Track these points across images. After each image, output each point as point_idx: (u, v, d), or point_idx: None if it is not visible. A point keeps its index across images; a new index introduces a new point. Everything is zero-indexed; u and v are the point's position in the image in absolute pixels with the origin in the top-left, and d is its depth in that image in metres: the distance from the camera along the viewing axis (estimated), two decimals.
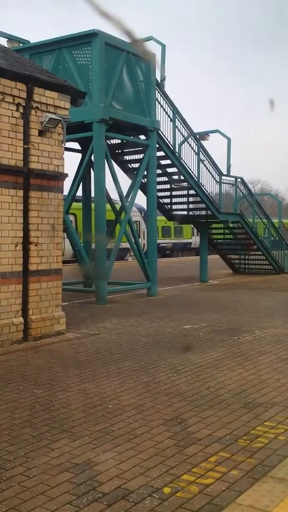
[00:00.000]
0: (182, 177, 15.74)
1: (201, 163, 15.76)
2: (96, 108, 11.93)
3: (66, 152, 8.96)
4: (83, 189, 14.75)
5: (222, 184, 16.65)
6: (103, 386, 5.75)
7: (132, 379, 6.04)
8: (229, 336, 8.50)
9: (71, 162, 12.71)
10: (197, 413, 4.90)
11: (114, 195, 13.95)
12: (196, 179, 15.61)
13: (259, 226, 19.77)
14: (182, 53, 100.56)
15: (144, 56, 12.26)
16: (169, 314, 10.70)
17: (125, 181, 14.71)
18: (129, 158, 15.49)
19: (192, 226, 28.06)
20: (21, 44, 13.26)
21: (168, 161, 15.36)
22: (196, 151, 15.63)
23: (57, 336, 8.53)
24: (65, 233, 11.92)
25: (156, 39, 14.07)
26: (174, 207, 17.78)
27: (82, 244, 14.01)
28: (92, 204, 13.92)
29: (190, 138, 15.41)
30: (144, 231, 25.37)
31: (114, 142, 14.81)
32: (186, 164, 15.31)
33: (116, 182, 12.81)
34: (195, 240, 32.61)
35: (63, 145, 8.79)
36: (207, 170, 16.06)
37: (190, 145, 15.48)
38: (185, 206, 17.82)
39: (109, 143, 14.20)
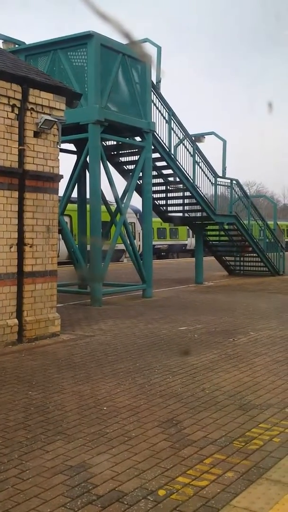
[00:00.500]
0: (177, 179, 15.75)
1: (196, 165, 15.78)
2: (91, 109, 11.93)
3: (61, 154, 8.96)
4: (79, 190, 14.75)
5: (218, 186, 16.68)
6: (98, 388, 5.73)
7: (127, 381, 6.03)
8: (224, 338, 8.50)
9: (66, 164, 12.69)
10: (192, 415, 4.89)
11: (110, 197, 13.95)
12: (192, 181, 15.62)
13: (254, 228, 19.80)
14: (180, 55, 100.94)
15: (142, 58, 12.27)
16: (165, 316, 10.69)
17: (120, 183, 14.70)
18: (125, 160, 15.49)
19: (188, 227, 28.08)
20: (16, 46, 13.25)
21: (163, 163, 15.37)
22: (192, 153, 15.65)
23: (51, 337, 8.51)
24: (60, 235, 11.90)
25: (152, 41, 14.08)
26: (169, 208, 17.79)
27: (77, 245, 14.00)
28: (88, 206, 13.90)
29: (185, 140, 15.43)
30: (139, 233, 25.36)
31: (110, 144, 14.80)
32: (182, 166, 15.32)
33: (111, 183, 12.81)
34: (191, 242, 32.65)
35: (58, 146, 8.77)
36: (202, 172, 16.08)
37: (185, 147, 15.50)
38: (180, 208, 17.81)
39: (105, 144, 14.19)
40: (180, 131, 15.18)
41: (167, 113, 14.77)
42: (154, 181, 15.72)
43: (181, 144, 15.32)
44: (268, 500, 3.29)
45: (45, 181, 8.51)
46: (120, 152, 15.24)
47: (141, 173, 13.74)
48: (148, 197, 14.05)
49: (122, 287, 14.28)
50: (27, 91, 8.15)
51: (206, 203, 16.28)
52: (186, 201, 17.24)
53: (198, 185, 15.86)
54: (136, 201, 16.21)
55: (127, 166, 15.40)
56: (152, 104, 14.02)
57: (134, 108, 13.11)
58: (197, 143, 15.96)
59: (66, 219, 19.85)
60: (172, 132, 14.93)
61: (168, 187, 17.12)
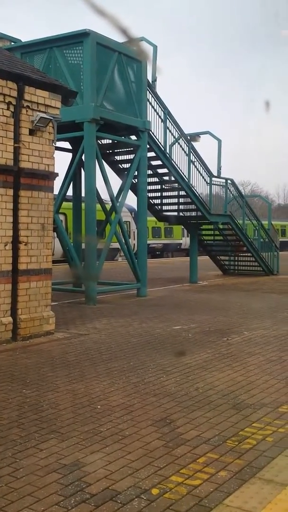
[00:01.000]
0: (172, 178, 15.76)
1: (191, 164, 15.78)
2: (87, 108, 11.91)
3: (56, 152, 8.93)
4: (74, 188, 14.72)
5: (213, 185, 16.69)
6: (92, 387, 5.74)
7: (121, 379, 6.04)
8: (218, 337, 8.52)
9: (61, 162, 12.70)
10: (186, 414, 4.90)
11: (105, 195, 13.94)
12: (187, 180, 15.63)
13: (249, 227, 19.85)
14: (178, 54, 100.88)
15: (138, 55, 12.25)
16: (159, 315, 10.70)
17: (115, 182, 14.70)
18: (120, 159, 15.48)
19: (182, 227, 28.09)
20: (12, 43, 13.21)
21: (159, 162, 15.36)
22: (187, 152, 15.66)
23: (46, 336, 8.50)
24: (55, 233, 11.89)
25: (148, 40, 14.07)
26: (164, 208, 17.80)
27: (72, 244, 13.98)
28: (83, 204, 13.89)
29: (181, 139, 15.43)
30: (134, 232, 25.34)
31: (105, 142, 14.79)
32: (177, 165, 15.34)
33: (106, 182, 12.80)
34: (185, 241, 32.65)
35: (53, 144, 8.76)
36: (197, 172, 16.09)
37: (181, 146, 15.50)
38: (175, 207, 17.83)
39: (100, 143, 14.18)
40: (176, 130, 15.19)
41: (162, 112, 14.77)
42: (149, 180, 15.72)
43: (177, 143, 15.33)
44: (261, 500, 3.31)
45: (40, 179, 8.49)
46: (116, 150, 15.22)
47: (136, 172, 13.74)
48: (143, 196, 14.05)
49: (116, 286, 14.28)
50: (23, 88, 8.14)
51: (201, 202, 16.30)
52: (181, 200, 17.27)
53: (193, 185, 15.88)
54: (131, 200, 16.19)
55: (123, 165, 15.40)
56: (148, 103, 14.02)
57: (129, 107, 13.11)
58: (192, 143, 15.97)
59: (61, 217, 19.79)
60: (168, 131, 14.94)
61: (163, 186, 17.12)
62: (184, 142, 15.62)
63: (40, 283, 8.50)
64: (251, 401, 5.28)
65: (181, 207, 17.72)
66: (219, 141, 17.14)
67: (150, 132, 14.17)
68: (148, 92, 13.94)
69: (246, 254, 19.99)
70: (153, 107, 14.49)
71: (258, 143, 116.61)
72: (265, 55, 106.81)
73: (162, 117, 14.77)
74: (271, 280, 18.68)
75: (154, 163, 15.57)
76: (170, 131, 15.01)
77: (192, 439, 4.30)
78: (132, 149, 14.18)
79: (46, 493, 3.37)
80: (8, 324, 7.99)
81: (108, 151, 15.09)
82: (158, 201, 17.57)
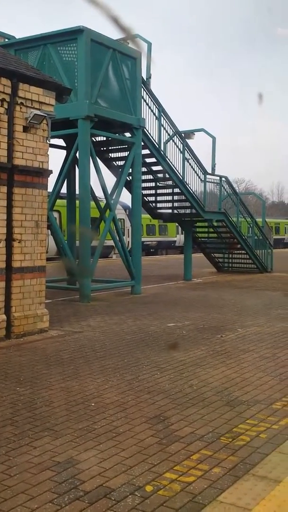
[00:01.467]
0: (167, 175, 15.75)
1: (186, 162, 15.78)
2: (81, 105, 11.88)
3: (50, 149, 8.90)
4: (68, 186, 14.68)
5: (207, 183, 16.70)
6: (86, 384, 5.73)
7: (115, 377, 6.03)
8: (212, 334, 8.53)
9: (55, 159, 12.66)
10: (180, 411, 4.90)
11: (99, 193, 13.93)
12: (181, 178, 15.63)
13: (243, 225, 19.86)
14: (175, 52, 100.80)
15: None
16: (153, 312, 10.71)
17: (110, 179, 14.67)
18: (114, 156, 15.45)
19: (177, 224, 28.09)
20: (6, 40, 13.16)
21: (153, 159, 15.36)
22: (181, 149, 15.65)
23: (40, 333, 8.49)
24: (49, 230, 11.87)
25: (142, 37, 14.06)
26: (159, 205, 17.80)
27: (66, 241, 13.96)
28: (77, 201, 13.87)
29: (175, 136, 15.42)
30: (128, 229, 25.34)
31: (99, 140, 14.77)
32: (171, 163, 15.33)
33: (101, 179, 12.78)
34: (180, 239, 32.67)
35: (47, 141, 8.73)
36: (192, 169, 16.10)
37: (175, 143, 15.50)
38: (170, 205, 17.84)
39: (94, 140, 14.16)
40: (170, 127, 15.18)
41: (157, 110, 14.76)
42: (144, 177, 15.69)
43: (171, 141, 15.32)
44: (255, 496, 3.31)
45: (34, 176, 8.47)
46: (110, 148, 15.20)
47: (130, 169, 13.72)
48: (137, 193, 14.04)
49: (111, 284, 14.28)
50: (17, 85, 8.10)
51: (196, 199, 16.31)
52: (176, 197, 17.28)
53: (187, 182, 15.88)
54: (125, 197, 16.17)
55: (117, 162, 15.37)
56: (142, 100, 14.00)
57: (124, 104, 13.08)
58: (186, 140, 15.97)
59: (55, 214, 19.75)
60: (162, 128, 14.93)
61: (158, 184, 17.12)
62: (179, 140, 15.62)
63: (34, 280, 8.48)
64: (245, 398, 5.30)
65: (176, 204, 17.73)
66: (214, 138, 17.14)
67: (145, 130, 14.15)
68: (142, 89, 13.92)
69: (240, 251, 20.03)
70: (147, 104, 14.48)
71: (253, 141, 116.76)
72: (261, 54, 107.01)
73: (156, 114, 14.76)
74: (265, 277, 18.72)
75: (148, 160, 15.57)
76: (164, 128, 15.01)
77: (186, 436, 4.31)
78: (126, 146, 14.17)
79: (40, 490, 3.37)
80: (1, 321, 7.97)
81: (102, 148, 15.07)
82: (152, 198, 17.57)
